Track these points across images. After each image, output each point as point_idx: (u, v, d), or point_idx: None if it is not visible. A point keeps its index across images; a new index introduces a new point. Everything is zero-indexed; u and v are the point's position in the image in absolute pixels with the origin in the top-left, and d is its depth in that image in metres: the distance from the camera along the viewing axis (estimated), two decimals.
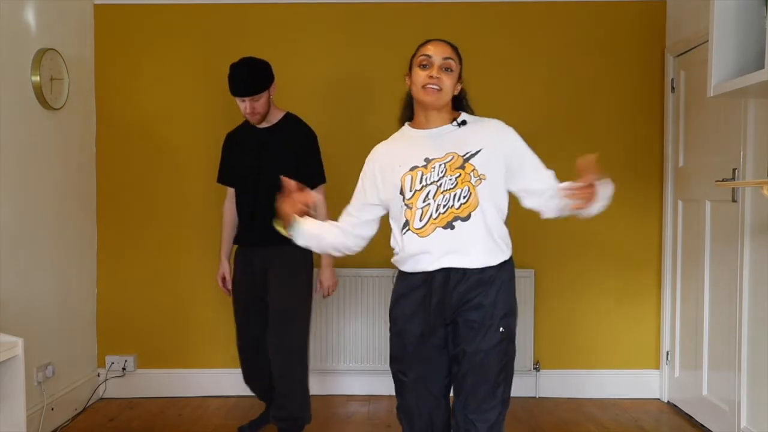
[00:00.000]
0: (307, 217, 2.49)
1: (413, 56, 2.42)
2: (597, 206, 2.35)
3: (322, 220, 2.93)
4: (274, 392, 3.52)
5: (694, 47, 3.95)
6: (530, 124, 4.37)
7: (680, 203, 4.19)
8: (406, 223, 2.35)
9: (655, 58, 4.35)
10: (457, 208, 2.30)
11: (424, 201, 2.32)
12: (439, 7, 4.35)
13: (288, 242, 3.34)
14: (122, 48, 4.39)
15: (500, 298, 2.40)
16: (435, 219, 2.31)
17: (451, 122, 2.40)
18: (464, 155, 2.32)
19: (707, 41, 3.06)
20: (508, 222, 2.47)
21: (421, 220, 2.33)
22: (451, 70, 2.36)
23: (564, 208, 2.39)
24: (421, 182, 2.33)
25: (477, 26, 4.36)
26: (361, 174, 2.51)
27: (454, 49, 2.42)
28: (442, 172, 2.32)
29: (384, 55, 4.33)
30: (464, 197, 2.30)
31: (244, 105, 3.42)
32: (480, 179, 2.31)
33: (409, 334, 2.41)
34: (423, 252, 2.34)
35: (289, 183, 2.42)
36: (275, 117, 3.51)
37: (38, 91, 3.72)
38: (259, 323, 3.53)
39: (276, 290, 3.45)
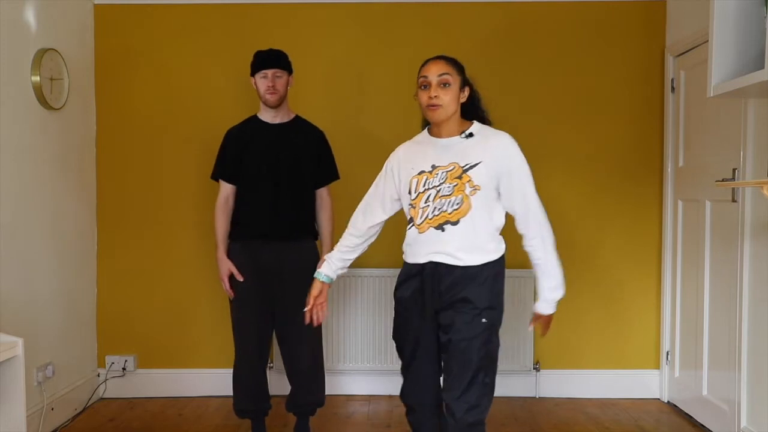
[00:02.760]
0: (325, 263, 2.84)
1: (418, 73, 2.63)
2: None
3: (328, 216, 3.61)
4: (301, 382, 3.58)
5: (694, 47, 3.95)
6: (530, 124, 4.40)
7: (680, 203, 4.19)
8: (411, 220, 2.65)
9: (655, 58, 4.35)
10: (449, 213, 2.56)
11: (425, 202, 2.59)
12: (441, 7, 4.35)
13: (306, 236, 3.58)
14: (122, 48, 4.39)
15: (483, 292, 2.59)
16: (430, 219, 2.59)
17: (460, 134, 2.62)
18: (464, 166, 2.56)
19: (707, 41, 3.06)
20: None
21: (420, 219, 2.61)
22: (449, 85, 2.57)
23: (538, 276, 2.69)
24: (424, 186, 2.60)
25: (477, 26, 4.36)
26: (383, 170, 2.78)
27: (451, 62, 2.62)
28: (442, 179, 2.57)
29: (392, 55, 4.34)
30: (457, 204, 2.55)
31: (265, 81, 3.46)
32: (475, 189, 2.55)
33: (407, 315, 2.70)
34: (411, 245, 2.65)
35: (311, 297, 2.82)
36: (288, 116, 3.58)
37: (38, 91, 3.72)
38: (266, 321, 3.53)
39: (297, 281, 3.39)
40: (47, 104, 3.80)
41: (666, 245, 4.32)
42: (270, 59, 3.48)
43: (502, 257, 2.67)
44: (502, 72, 4.38)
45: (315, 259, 3.53)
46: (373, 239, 2.82)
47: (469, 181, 2.54)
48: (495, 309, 2.62)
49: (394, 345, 2.78)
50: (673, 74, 4.26)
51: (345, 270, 2.85)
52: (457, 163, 2.57)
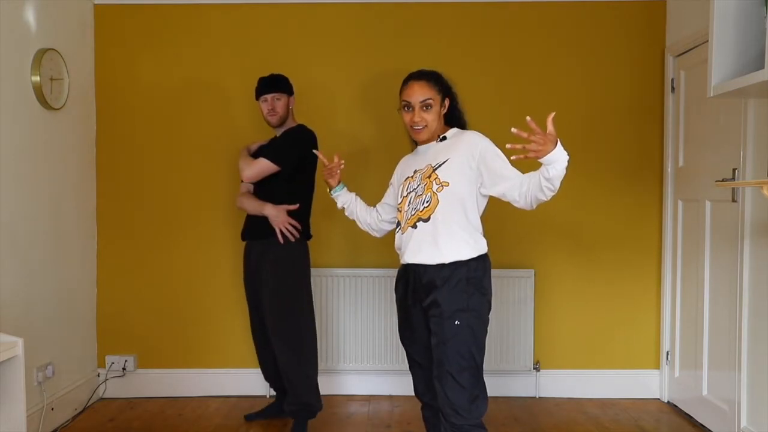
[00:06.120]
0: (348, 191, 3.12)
1: (400, 92, 2.78)
2: (555, 167, 2.42)
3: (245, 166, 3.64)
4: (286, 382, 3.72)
5: (694, 47, 3.95)
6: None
7: (680, 203, 4.19)
8: (398, 223, 2.80)
9: (655, 58, 4.35)
10: (421, 211, 2.69)
11: (408, 205, 2.74)
12: (441, 8, 4.35)
13: (275, 234, 3.63)
14: (122, 48, 4.39)
15: (454, 295, 2.63)
16: (408, 220, 2.73)
17: (437, 139, 2.79)
18: (434, 165, 2.71)
19: (707, 41, 3.06)
20: (484, 225, 2.74)
21: (403, 221, 2.76)
22: (431, 106, 2.73)
23: (536, 185, 2.51)
24: (407, 190, 2.78)
25: (478, 27, 4.36)
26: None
27: (432, 81, 2.74)
28: (418, 181, 2.74)
29: (393, 55, 4.34)
30: (427, 202, 2.67)
31: (266, 105, 3.68)
32: (442, 186, 2.66)
33: (405, 314, 2.84)
34: (400, 247, 2.78)
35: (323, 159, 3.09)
36: (289, 126, 3.75)
37: (38, 91, 3.71)
38: (259, 313, 3.76)
39: (267, 281, 3.64)
40: (47, 104, 3.80)
41: (666, 245, 4.32)
42: (269, 85, 3.69)
43: (482, 257, 2.69)
44: (501, 72, 4.38)
45: (288, 253, 3.62)
46: (386, 226, 3.05)
47: (437, 178, 2.67)
48: (469, 311, 2.62)
49: (395, 344, 2.88)
50: (673, 74, 4.26)
51: (348, 203, 3.10)
52: (430, 164, 2.73)
